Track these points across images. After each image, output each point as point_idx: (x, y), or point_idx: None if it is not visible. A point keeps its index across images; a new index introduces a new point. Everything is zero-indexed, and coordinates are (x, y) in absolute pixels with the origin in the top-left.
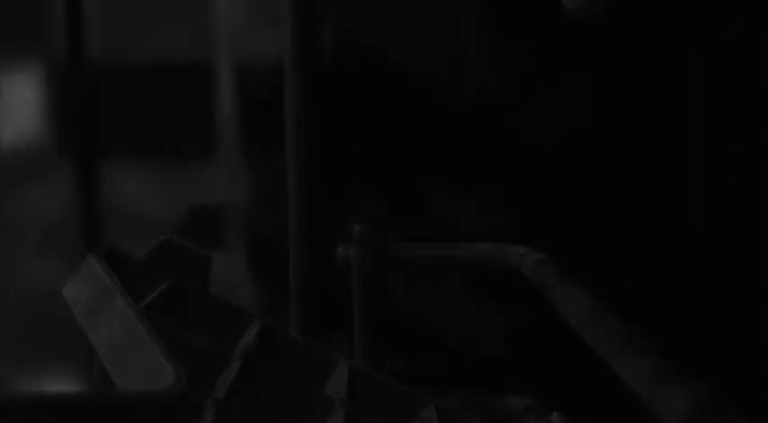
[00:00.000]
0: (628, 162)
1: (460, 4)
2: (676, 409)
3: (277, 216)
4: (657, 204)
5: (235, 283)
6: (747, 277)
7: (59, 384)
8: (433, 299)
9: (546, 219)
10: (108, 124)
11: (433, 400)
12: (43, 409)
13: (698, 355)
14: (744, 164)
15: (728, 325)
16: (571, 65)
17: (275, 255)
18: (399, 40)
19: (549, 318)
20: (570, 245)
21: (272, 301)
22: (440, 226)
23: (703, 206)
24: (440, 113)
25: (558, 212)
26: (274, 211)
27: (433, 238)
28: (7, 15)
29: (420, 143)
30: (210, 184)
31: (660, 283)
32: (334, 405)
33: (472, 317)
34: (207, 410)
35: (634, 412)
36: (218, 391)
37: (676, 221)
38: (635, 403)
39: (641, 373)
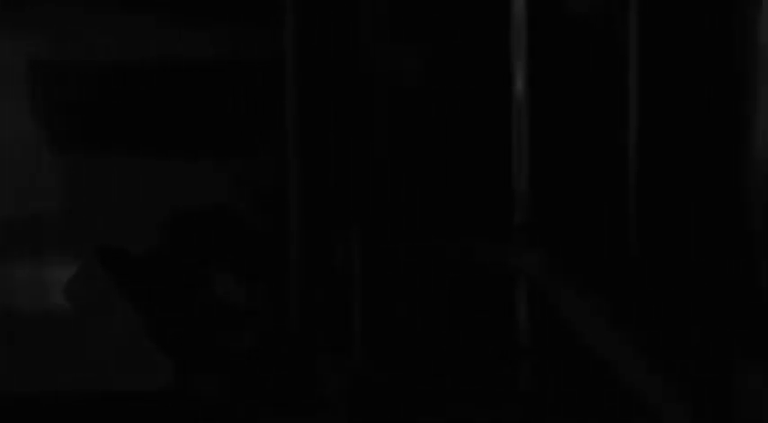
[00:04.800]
0: None
1: None
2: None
3: (277, 216)
4: None
5: (235, 282)
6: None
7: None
8: (427, 295)
9: None
10: None
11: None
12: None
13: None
14: None
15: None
16: None
17: (275, 254)
18: None
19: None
20: None
21: (272, 300)
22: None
23: None
24: None
25: None
26: (274, 212)
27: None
28: None
29: None
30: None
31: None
32: (334, 404)
33: (464, 314)
34: (206, 407)
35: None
36: (217, 388)
37: None
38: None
39: (640, 374)
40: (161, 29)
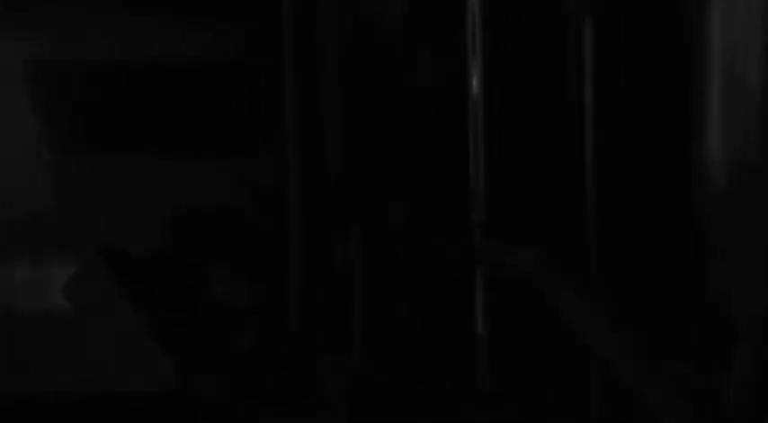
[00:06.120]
0: None
1: None
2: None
3: (277, 216)
4: None
5: (235, 282)
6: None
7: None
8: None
9: None
10: None
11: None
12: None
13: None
14: None
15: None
16: None
17: (275, 254)
18: None
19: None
20: None
21: (272, 300)
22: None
23: None
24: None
25: None
26: (274, 212)
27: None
28: None
29: None
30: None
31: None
32: (334, 404)
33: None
34: (206, 407)
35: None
36: (217, 388)
37: None
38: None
39: (641, 375)
40: (162, 29)
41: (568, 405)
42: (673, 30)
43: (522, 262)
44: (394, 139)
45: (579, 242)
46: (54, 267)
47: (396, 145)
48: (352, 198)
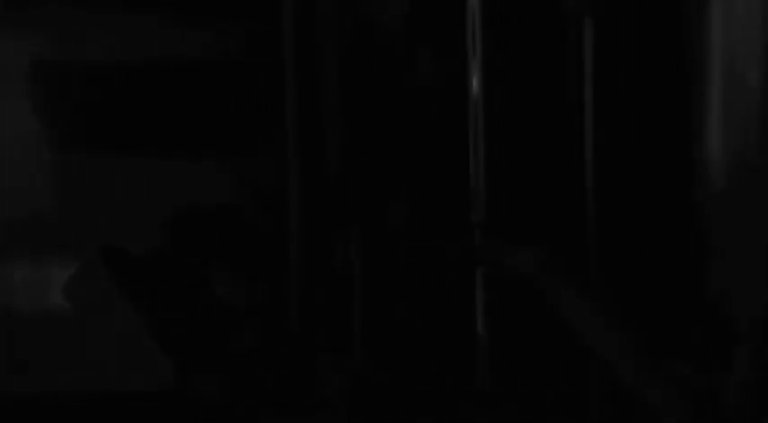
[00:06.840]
0: None
1: None
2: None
3: (277, 216)
4: None
5: (235, 282)
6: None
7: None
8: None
9: None
10: None
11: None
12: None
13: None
14: None
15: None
16: None
17: (275, 254)
18: None
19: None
20: None
21: (272, 300)
22: None
23: None
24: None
25: None
26: (274, 212)
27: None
28: None
29: None
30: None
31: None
32: (334, 404)
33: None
34: (206, 407)
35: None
36: (217, 388)
37: None
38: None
39: (641, 375)
40: (162, 29)
41: (568, 405)
42: (673, 30)
43: (522, 262)
44: (394, 139)
45: (579, 242)
46: (54, 267)
47: (396, 145)
48: (352, 198)
